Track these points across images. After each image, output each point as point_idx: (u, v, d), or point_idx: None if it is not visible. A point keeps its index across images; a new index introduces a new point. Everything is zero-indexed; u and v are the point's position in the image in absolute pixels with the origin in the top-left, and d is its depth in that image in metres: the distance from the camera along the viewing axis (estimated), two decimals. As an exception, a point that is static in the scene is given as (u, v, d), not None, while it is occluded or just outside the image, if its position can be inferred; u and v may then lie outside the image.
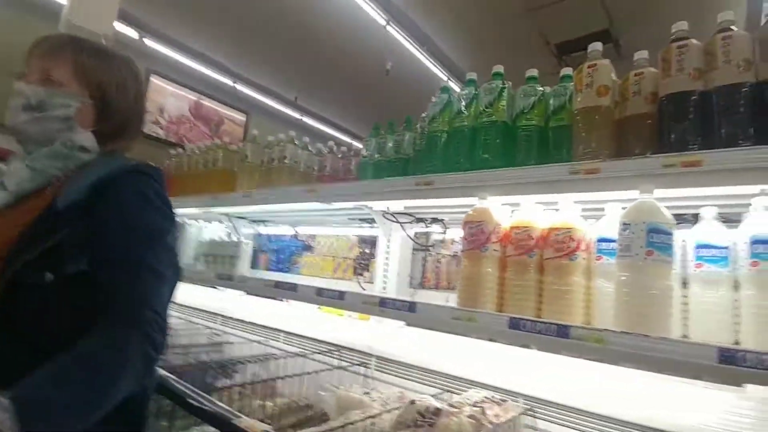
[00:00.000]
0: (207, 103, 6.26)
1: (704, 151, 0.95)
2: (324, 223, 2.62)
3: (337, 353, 1.76)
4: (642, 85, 1.12)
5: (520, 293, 1.17)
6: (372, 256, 2.63)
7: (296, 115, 7.13)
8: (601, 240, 1.13)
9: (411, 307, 1.25)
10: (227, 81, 6.17)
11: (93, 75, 1.01)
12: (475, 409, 1.14)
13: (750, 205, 1.03)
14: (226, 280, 2.01)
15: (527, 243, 1.18)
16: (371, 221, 2.03)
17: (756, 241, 0.96)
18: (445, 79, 5.28)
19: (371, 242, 2.67)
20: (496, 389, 1.36)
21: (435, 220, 1.88)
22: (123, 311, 0.84)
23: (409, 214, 1.88)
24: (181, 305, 2.59)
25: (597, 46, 1.22)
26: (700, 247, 1.05)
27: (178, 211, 2.13)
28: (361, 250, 2.82)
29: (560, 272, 1.13)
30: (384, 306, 1.30)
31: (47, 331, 0.85)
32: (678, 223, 1.02)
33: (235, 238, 2.64)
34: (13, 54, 1.19)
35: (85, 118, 1.00)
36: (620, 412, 1.15)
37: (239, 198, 2.15)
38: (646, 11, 3.91)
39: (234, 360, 1.70)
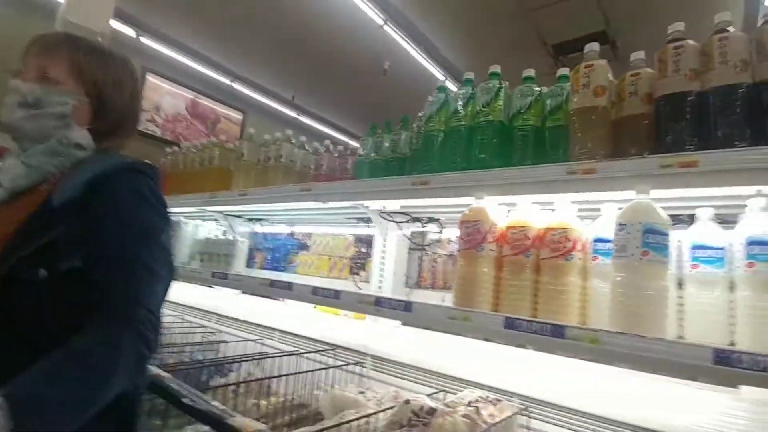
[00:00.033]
0: (203, 101, 6.25)
1: (700, 151, 0.95)
2: (320, 222, 2.62)
3: (332, 352, 1.76)
4: (638, 85, 1.12)
5: (516, 293, 1.17)
6: (368, 255, 2.62)
7: (293, 114, 7.13)
8: (597, 240, 1.13)
9: (407, 306, 1.24)
10: (224, 80, 6.16)
11: (89, 73, 1.01)
12: (469, 408, 1.14)
13: (746, 206, 1.03)
14: (222, 278, 2.00)
15: (523, 243, 1.18)
16: (367, 220, 2.03)
17: (752, 242, 0.96)
18: (442, 78, 5.27)
19: (367, 241, 2.66)
20: (491, 389, 1.36)
21: (431, 220, 1.88)
22: (117, 309, 0.84)
23: (406, 214, 1.88)
24: (176, 303, 2.58)
25: (594, 46, 1.22)
26: (695, 247, 1.05)
27: (174, 209, 2.12)
28: (357, 250, 2.81)
29: (556, 272, 1.13)
30: (380, 305, 1.30)
31: (42, 328, 0.84)
32: (674, 224, 1.02)
33: (230, 237, 2.63)
34: (10, 52, 1.18)
35: (81, 116, 1.00)
36: (615, 413, 1.15)
37: (235, 197, 2.14)
38: (643, 13, 3.93)
39: (229, 359, 1.69)
